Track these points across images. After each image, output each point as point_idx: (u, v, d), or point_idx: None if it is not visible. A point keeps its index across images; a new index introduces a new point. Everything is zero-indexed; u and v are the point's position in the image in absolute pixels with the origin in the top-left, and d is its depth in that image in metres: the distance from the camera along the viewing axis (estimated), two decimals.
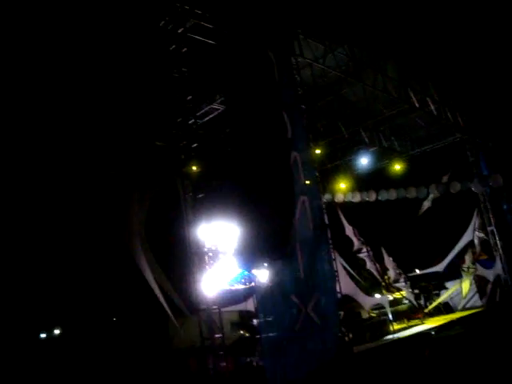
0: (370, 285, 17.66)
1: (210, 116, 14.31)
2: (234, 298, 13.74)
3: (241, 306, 13.27)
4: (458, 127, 19.96)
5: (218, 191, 11.56)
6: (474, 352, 12.57)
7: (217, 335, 11.47)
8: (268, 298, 10.65)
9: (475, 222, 19.54)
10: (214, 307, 11.63)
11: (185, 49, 11.36)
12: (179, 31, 11.43)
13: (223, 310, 12.14)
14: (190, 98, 12.05)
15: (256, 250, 10.53)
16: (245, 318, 13.96)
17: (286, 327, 10.47)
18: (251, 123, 11.17)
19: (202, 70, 12.30)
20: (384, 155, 21.21)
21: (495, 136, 19.86)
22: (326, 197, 17.12)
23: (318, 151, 17.06)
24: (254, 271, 11.48)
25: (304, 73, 14.57)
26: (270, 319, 10.80)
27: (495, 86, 18.86)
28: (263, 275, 11.61)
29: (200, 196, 11.36)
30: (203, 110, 13.95)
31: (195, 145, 12.06)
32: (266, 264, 11.32)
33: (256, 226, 10.18)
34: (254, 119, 11.18)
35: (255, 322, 12.44)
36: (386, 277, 18.38)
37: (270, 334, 10.61)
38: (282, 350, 10.33)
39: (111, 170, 13.69)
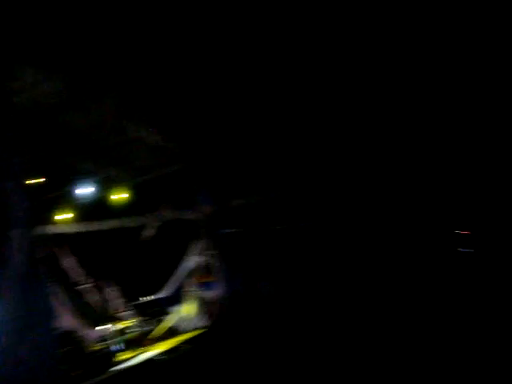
0: (93, 317, 17.28)
1: None
2: None
3: None
4: (177, 157, 20.89)
5: None
6: (202, 367, 13.32)
7: None
8: None
9: (195, 246, 20.62)
10: None
11: None
12: None
13: None
14: None
15: None
16: None
17: None
18: None
19: None
20: (105, 184, 21.12)
21: (215, 167, 21.28)
22: (45, 228, 16.38)
23: (35, 181, 16.35)
24: None
25: (22, 97, 13.88)
26: None
27: (217, 120, 20.38)
28: None
29: None
30: None
31: None
32: None
33: None
34: None
35: None
36: (109, 307, 18.20)
37: None
38: None
39: None
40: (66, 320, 13.92)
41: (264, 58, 16.37)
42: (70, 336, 14.39)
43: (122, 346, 16.09)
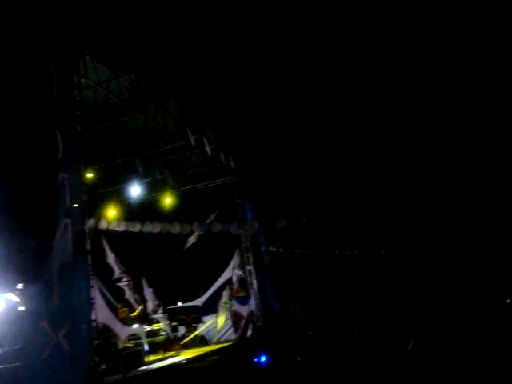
0: (128, 315, 17.48)
1: None
2: None
3: None
4: (229, 170, 21.17)
5: None
6: (225, 379, 13.32)
7: None
8: (16, 325, 10.03)
9: (236, 260, 20.74)
10: None
11: None
12: None
13: None
14: None
15: (8, 269, 9.93)
16: None
17: (33, 356, 9.90)
18: (21, 135, 10.64)
19: None
20: (157, 188, 21.56)
21: (262, 183, 21.45)
22: (92, 222, 16.77)
23: (90, 175, 16.78)
24: (5, 293, 10.78)
25: (86, 94, 14.33)
26: (16, 348, 10.16)
27: (268, 137, 20.70)
28: (15, 298, 10.94)
29: None
30: None
31: None
32: (19, 287, 10.71)
33: (12, 245, 9.62)
34: (24, 132, 10.67)
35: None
36: (143, 307, 18.39)
37: (13, 364, 9.95)
38: (24, 381, 9.75)
39: None
40: (103, 314, 14.14)
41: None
42: (104, 330, 14.61)
43: (149, 347, 16.21)
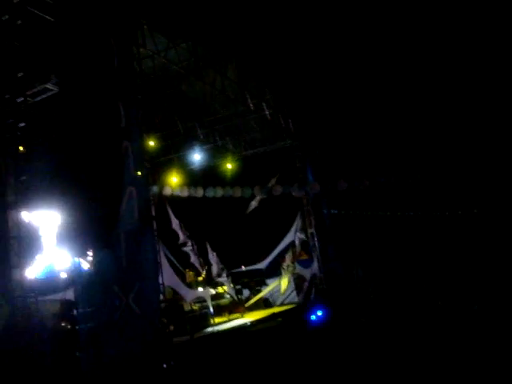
0: (194, 278, 17.98)
1: (43, 96, 13.70)
2: (54, 286, 13.28)
3: (59, 296, 12.84)
4: (289, 133, 21.10)
5: (42, 174, 11.19)
6: (288, 341, 13.56)
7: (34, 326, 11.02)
8: (89, 288, 10.47)
9: (297, 223, 20.81)
10: (31, 294, 11.17)
11: (19, 21, 10.79)
12: (15, 1, 10.83)
13: (43, 298, 11.70)
14: (21, 74, 11.48)
15: (79, 237, 10.36)
16: (65, 308, 13.45)
17: (106, 317, 10.36)
18: (85, 108, 10.93)
19: (37, 46, 11.76)
20: (218, 153, 21.78)
21: (322, 146, 21.26)
22: (155, 189, 17.24)
23: (151, 143, 17.16)
24: (77, 259, 11.24)
25: (145, 64, 14.55)
26: (89, 309, 10.64)
27: (327, 98, 20.39)
28: (86, 263, 11.42)
29: (23, 178, 10.87)
30: (36, 89, 13.29)
31: (23, 124, 11.51)
32: (89, 252, 11.16)
33: (80, 213, 10.01)
34: (88, 104, 10.95)
35: (76, 312, 12.04)
36: (206, 271, 18.85)
37: (89, 325, 10.44)
38: (99, 340, 10.24)
39: None
40: (169, 278, 14.62)
41: None
42: (170, 293, 15.12)
43: (214, 310, 16.61)
